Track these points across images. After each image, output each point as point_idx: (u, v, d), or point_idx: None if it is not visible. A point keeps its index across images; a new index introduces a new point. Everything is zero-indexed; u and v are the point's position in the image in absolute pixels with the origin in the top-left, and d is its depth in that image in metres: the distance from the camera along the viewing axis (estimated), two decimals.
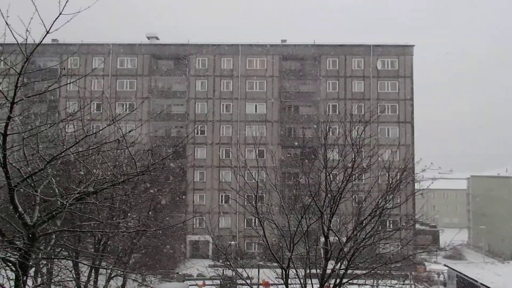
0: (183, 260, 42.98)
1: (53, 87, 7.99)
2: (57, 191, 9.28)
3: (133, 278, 20.20)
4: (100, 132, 10.30)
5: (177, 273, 36.53)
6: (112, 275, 20.07)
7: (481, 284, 29.74)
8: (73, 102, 39.97)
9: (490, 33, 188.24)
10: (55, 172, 10.08)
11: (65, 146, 8.63)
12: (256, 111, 49.56)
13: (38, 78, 7.92)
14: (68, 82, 15.95)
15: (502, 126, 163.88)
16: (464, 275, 32.39)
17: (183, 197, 47.06)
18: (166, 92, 50.68)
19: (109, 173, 9.51)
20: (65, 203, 8.22)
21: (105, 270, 18.38)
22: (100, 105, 32.10)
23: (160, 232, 22.99)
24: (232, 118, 49.26)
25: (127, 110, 42.25)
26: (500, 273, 31.67)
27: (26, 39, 6.52)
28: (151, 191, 21.94)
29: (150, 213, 23.72)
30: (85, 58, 48.03)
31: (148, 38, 52.06)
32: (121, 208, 17.08)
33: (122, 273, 19.20)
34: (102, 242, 18.16)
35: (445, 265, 36.70)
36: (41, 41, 6.71)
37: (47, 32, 6.59)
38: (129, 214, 19.43)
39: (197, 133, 48.42)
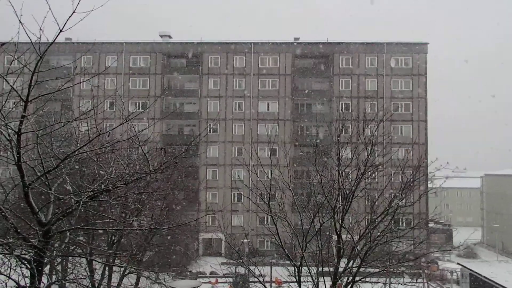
0: (196, 258, 43.19)
1: (66, 85, 8.07)
2: (71, 189, 9.36)
3: (147, 276, 20.44)
4: (113, 130, 10.35)
5: (190, 271, 36.72)
6: (126, 273, 20.25)
7: (495, 282, 29.51)
8: (86, 101, 40.37)
9: (504, 32, 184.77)
10: (68, 171, 10.17)
11: (78, 145, 8.71)
12: (268, 109, 49.48)
13: (52, 76, 7.99)
14: (81, 81, 16.16)
15: None
16: (478, 273, 32.17)
17: (196, 195, 47.32)
18: (178, 90, 50.87)
19: (122, 171, 9.56)
20: (79, 201, 8.29)
21: (118, 267, 18.55)
22: (113, 103, 32.39)
23: (173, 230, 23.10)
24: (245, 116, 49.25)
25: (140, 108, 42.63)
26: None
27: (40, 38, 6.56)
28: (164, 189, 22.02)
29: (163, 211, 23.82)
30: (98, 56, 48.50)
31: (161, 36, 52.32)
32: (134, 206, 17.17)
33: (135, 270, 19.37)
34: (115, 240, 18.30)
35: (458, 264, 36.40)
36: (55, 39, 6.75)
37: (60, 31, 6.64)
38: (142, 212, 19.54)
39: (210, 132, 48.53)
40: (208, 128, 47.44)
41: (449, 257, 46.34)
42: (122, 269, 19.63)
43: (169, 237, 23.85)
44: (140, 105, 46.57)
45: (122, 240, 20.06)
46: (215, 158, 48.93)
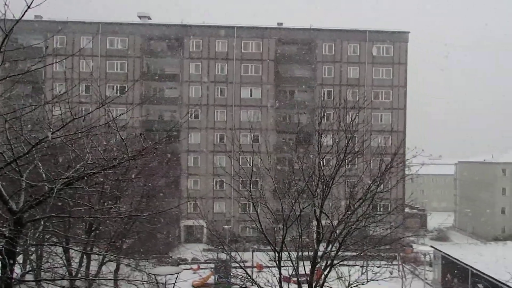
0: (178, 245, 43.20)
1: (37, 66, 7.73)
2: (44, 176, 9.09)
3: (126, 263, 20.29)
4: (89, 115, 10.06)
5: (171, 257, 36.72)
6: (105, 261, 20.06)
7: (465, 263, 30.70)
8: (60, 84, 38.78)
9: (483, 22, 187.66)
10: (41, 157, 9.87)
11: (51, 130, 8.41)
12: (251, 96, 49.21)
13: (21, 57, 7.63)
14: (54, 62, 15.63)
15: (491, 114, 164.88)
16: (449, 255, 33.39)
17: (177, 182, 47.05)
18: (158, 74, 49.61)
19: (99, 157, 9.33)
20: (52, 188, 8.04)
21: (97, 256, 18.33)
22: (89, 87, 31.50)
23: (154, 217, 22.93)
24: (227, 102, 48.90)
25: (118, 92, 41.69)
26: (482, 254, 32.75)
27: (5, 15, 6.19)
28: (143, 176, 21.77)
29: (142, 198, 23.60)
30: (72, 37, 46.42)
31: (140, 17, 50.56)
32: (112, 194, 16.91)
33: (114, 258, 19.19)
34: (93, 228, 18.04)
35: (431, 247, 37.64)
36: (22, 16, 6.39)
37: (28, 7, 6.28)
38: (121, 199, 19.30)
39: (191, 118, 48.02)
40: (190, 114, 46.85)
41: (423, 241, 47.88)
42: (101, 257, 19.43)
43: (149, 224, 23.65)
44: (118, 89, 45.49)
45: (101, 227, 19.80)
46: (196, 144, 48.57)
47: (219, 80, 48.95)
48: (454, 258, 32.38)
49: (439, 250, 35.56)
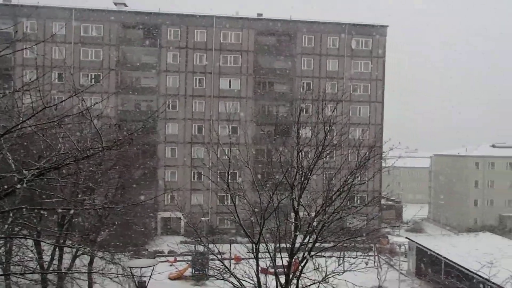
0: (154, 237, 42.78)
1: (5, 52, 7.35)
2: (13, 167, 8.71)
3: (101, 256, 19.89)
4: (62, 104, 9.71)
5: (147, 250, 36.33)
6: (78, 254, 19.64)
7: (438, 254, 31.52)
8: (31, 71, 37.17)
9: (461, 15, 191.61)
10: (10, 146, 9.46)
11: (21, 118, 8.06)
12: (230, 87, 48.85)
13: None
14: (24, 48, 14.98)
15: (467, 108, 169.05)
16: (423, 246, 34.22)
17: (154, 173, 46.50)
18: (135, 63, 48.41)
19: (72, 148, 9.01)
20: (22, 179, 7.71)
21: (70, 248, 17.91)
22: (62, 75, 30.51)
23: (130, 209, 22.55)
24: (205, 93, 48.41)
25: (92, 81, 40.63)
26: (455, 244, 33.68)
27: None
28: (119, 167, 21.33)
29: (118, 189, 23.14)
30: (43, 22, 44.57)
31: (116, 4, 49.09)
32: (86, 185, 16.49)
33: (88, 251, 18.79)
34: (66, 220, 17.57)
35: (406, 238, 38.42)
36: None
37: None
38: (95, 191, 18.85)
39: (168, 108, 47.35)
40: (167, 104, 46.13)
41: (398, 232, 48.79)
42: (74, 250, 19.00)
43: (125, 216, 23.24)
44: (93, 77, 44.27)
45: (74, 220, 19.32)
46: (174, 135, 48.01)
47: (198, 71, 48.35)
48: (428, 249, 33.16)
49: (414, 241, 36.35)
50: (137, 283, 12.21)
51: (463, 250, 31.26)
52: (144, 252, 33.81)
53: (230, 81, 48.81)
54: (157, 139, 47.10)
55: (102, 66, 46.26)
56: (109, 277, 17.53)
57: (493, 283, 20.26)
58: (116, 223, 23.62)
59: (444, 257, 30.52)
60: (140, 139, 36.97)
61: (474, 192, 59.50)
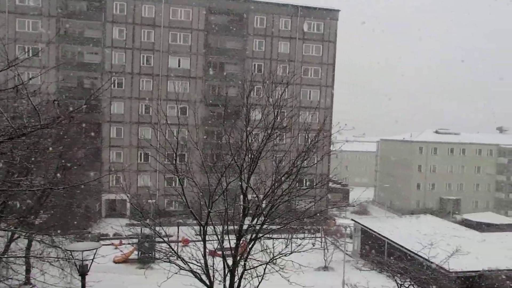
0: (98, 220, 41.45)
1: None
2: None
3: (40, 240, 18.88)
4: None
5: (90, 232, 35.12)
6: (14, 237, 18.56)
7: (381, 235, 32.91)
8: None
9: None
10: None
11: None
12: (179, 66, 47.61)
13: None
14: None
15: (414, 93, 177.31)
16: (368, 228, 35.58)
17: (98, 154, 44.73)
18: (77, 37, 45.76)
19: (6, 125, 8.33)
20: None
21: (5, 232, 16.84)
22: None
23: (71, 190, 21.53)
24: (153, 71, 46.87)
25: (29, 54, 37.93)
26: (397, 226, 35.31)
27: None
28: (59, 146, 20.19)
29: (58, 170, 21.95)
30: None
31: None
32: (22, 165, 15.42)
33: (26, 234, 17.75)
34: (0, 202, 16.40)
35: (352, 220, 39.66)
36: None
37: None
38: (33, 171, 17.73)
39: (114, 86, 45.39)
40: (112, 82, 44.10)
41: (345, 214, 50.50)
42: (10, 233, 17.89)
43: (66, 198, 22.16)
44: (30, 50, 41.29)
45: (9, 202, 18.13)
46: (120, 115, 46.26)
47: (145, 48, 46.57)
48: (372, 231, 34.43)
49: (359, 223, 37.59)
50: (78, 267, 11.68)
51: (405, 231, 32.70)
52: (87, 235, 32.67)
53: (179, 60, 47.53)
54: (102, 118, 45.17)
55: (40, 39, 43.06)
56: (48, 261, 16.73)
57: (432, 263, 21.36)
58: (56, 205, 22.53)
59: (387, 239, 31.78)
60: (82, 117, 35.21)
61: (417, 176, 62.39)
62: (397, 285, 15.59)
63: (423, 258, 22.07)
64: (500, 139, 67.95)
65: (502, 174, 64.76)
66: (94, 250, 11.83)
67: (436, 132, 66.40)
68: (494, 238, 31.91)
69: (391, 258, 24.04)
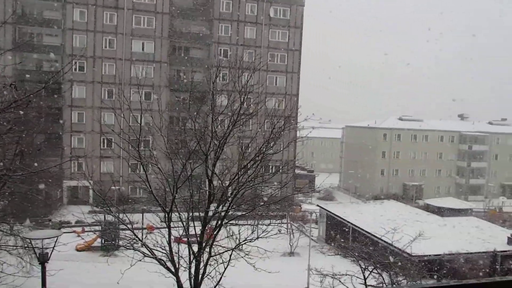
0: (59, 207, 40.30)
1: None
2: None
3: None
4: None
5: (51, 220, 34.13)
6: None
7: (346, 220, 33.68)
8: None
9: None
10: None
11: None
12: (143, 50, 46.40)
13: None
14: None
15: (380, 81, 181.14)
16: (333, 213, 36.26)
17: (59, 139, 43.27)
18: (35, 18, 43.58)
19: None
20: None
21: None
22: None
23: (30, 177, 20.75)
24: (116, 55, 45.44)
25: None
26: (362, 212, 36.20)
27: None
28: (16, 131, 19.34)
29: (16, 156, 21.07)
30: None
31: None
32: None
33: None
34: None
35: (317, 205, 40.24)
36: None
37: None
38: None
39: (75, 69, 43.74)
40: (72, 65, 42.39)
41: (310, 200, 51.13)
42: None
43: (24, 185, 21.34)
44: None
45: None
46: (81, 99, 44.75)
47: (108, 31, 45.01)
48: (337, 216, 35.06)
49: (324, 209, 38.17)
50: (38, 255, 11.38)
51: (369, 217, 33.55)
52: (47, 222, 31.75)
53: (143, 44, 46.31)
54: (62, 102, 43.54)
55: None
56: (6, 250, 16.20)
57: (396, 247, 21.99)
58: (14, 192, 21.70)
59: (352, 224, 32.49)
60: (42, 101, 33.82)
61: (381, 162, 63.61)
62: (361, 269, 16.11)
63: (387, 242, 22.71)
64: (461, 126, 69.61)
65: (463, 160, 66.50)
66: (55, 238, 11.54)
67: (400, 119, 67.38)
68: (455, 223, 33.08)
69: (356, 243, 24.61)
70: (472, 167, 66.56)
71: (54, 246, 11.47)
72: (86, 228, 34.21)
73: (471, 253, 26.05)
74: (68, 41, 43.91)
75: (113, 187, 32.21)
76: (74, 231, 33.29)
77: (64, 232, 30.44)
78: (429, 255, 24.81)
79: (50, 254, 11.50)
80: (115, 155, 40.98)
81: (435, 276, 22.33)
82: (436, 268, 23.52)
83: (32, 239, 11.46)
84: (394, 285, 15.98)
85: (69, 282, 21.13)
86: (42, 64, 44.81)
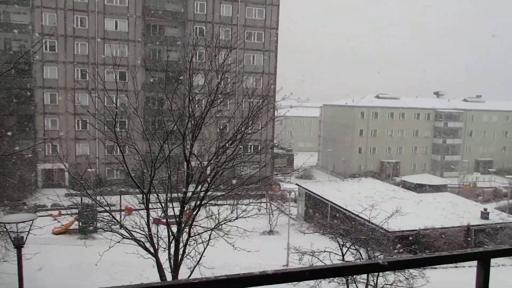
0: (34, 191, 39.44)
1: None
2: None
3: None
4: None
5: (25, 204, 33.40)
6: None
7: (324, 198, 34.03)
8: None
9: None
10: None
11: None
12: (116, 28, 45.01)
13: None
14: None
15: (358, 59, 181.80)
16: (311, 192, 36.56)
17: (32, 121, 42.01)
18: None
19: None
20: None
21: None
22: None
23: (2, 160, 20.19)
24: (89, 34, 43.99)
25: None
26: (340, 189, 36.51)
27: None
28: None
29: None
30: None
31: None
32: None
33: None
34: None
35: (296, 184, 40.37)
36: None
37: None
38: None
39: (46, 49, 42.19)
40: (42, 44, 40.83)
41: (289, 179, 51.28)
42: None
43: None
44: None
45: None
46: (54, 80, 43.34)
47: (79, 8, 43.38)
48: (316, 194, 35.38)
49: (303, 187, 38.43)
50: (13, 240, 11.18)
51: (347, 194, 33.91)
52: (22, 206, 31.05)
53: (116, 22, 44.91)
54: (33, 83, 42.10)
55: None
56: None
57: (373, 223, 22.44)
58: None
59: (330, 202, 32.85)
60: (11, 82, 32.59)
61: (359, 140, 64.17)
62: (339, 246, 16.42)
63: (364, 219, 23.15)
64: (437, 103, 70.48)
65: (438, 137, 67.73)
66: (30, 222, 11.33)
67: (377, 97, 67.80)
68: (430, 199, 33.79)
69: (334, 220, 24.97)
70: (448, 144, 67.91)
71: (30, 230, 11.29)
72: (63, 211, 33.71)
73: (446, 227, 26.80)
74: (37, 19, 42.17)
75: (89, 169, 31.75)
76: (50, 215, 32.64)
77: (40, 216, 29.96)
78: (406, 231, 25.43)
79: (26, 238, 11.33)
80: (91, 137, 40.20)
81: (411, 251, 23.01)
82: (412, 243, 24.20)
83: (6, 223, 11.25)
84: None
85: (45, 265, 20.92)
86: (11, 43, 43.06)
